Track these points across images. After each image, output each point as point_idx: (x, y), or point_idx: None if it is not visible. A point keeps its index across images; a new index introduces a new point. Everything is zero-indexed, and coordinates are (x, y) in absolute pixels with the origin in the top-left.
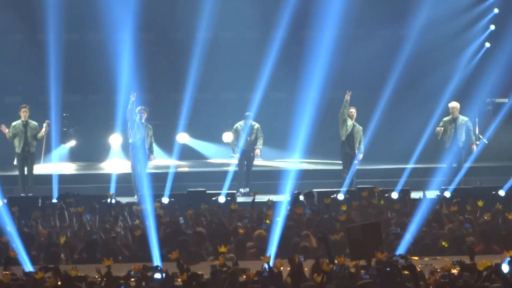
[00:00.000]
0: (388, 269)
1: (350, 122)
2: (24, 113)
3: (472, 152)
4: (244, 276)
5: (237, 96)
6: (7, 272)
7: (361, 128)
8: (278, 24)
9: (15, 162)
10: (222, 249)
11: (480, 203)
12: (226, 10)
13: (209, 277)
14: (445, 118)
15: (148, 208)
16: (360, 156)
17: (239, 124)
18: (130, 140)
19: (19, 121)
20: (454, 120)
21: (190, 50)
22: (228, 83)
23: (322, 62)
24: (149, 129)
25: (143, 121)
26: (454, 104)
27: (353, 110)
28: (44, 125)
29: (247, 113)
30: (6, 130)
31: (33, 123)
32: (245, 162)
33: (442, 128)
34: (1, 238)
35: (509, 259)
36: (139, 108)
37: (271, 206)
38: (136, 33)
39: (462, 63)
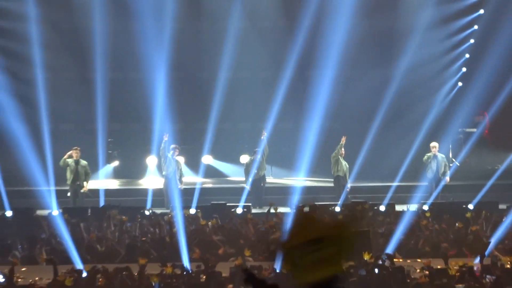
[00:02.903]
0: (377, 270)
1: (344, 161)
2: (76, 154)
3: (446, 182)
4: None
5: (252, 125)
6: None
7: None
8: (286, 65)
9: (68, 194)
10: (247, 253)
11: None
12: (242, 54)
13: (228, 275)
14: (429, 154)
15: (179, 217)
16: (349, 185)
17: (249, 160)
18: (163, 173)
19: (72, 159)
20: (435, 156)
21: (213, 87)
22: (244, 114)
23: (322, 97)
24: (179, 163)
25: (175, 157)
26: (435, 144)
27: (343, 150)
28: (84, 189)
29: (256, 150)
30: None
31: (84, 162)
32: (256, 190)
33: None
34: (57, 240)
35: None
36: (173, 146)
37: (280, 216)
38: (168, 72)
39: (438, 99)
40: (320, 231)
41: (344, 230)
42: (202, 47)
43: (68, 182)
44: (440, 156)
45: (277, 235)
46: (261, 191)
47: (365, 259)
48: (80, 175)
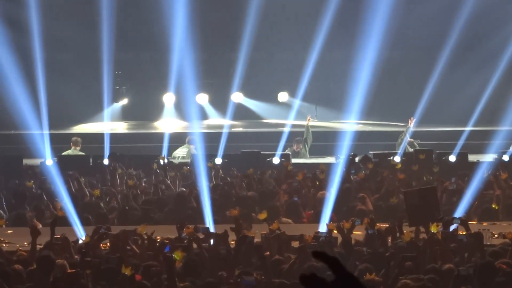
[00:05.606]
0: None
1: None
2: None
3: None
4: (297, 243)
5: (293, 55)
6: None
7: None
8: None
9: None
10: (262, 216)
11: None
12: None
13: (260, 240)
14: None
15: (201, 169)
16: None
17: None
18: None
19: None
20: None
21: (245, 6)
22: (283, 42)
23: (379, 21)
24: None
25: None
26: None
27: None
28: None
29: (297, 139)
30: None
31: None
32: None
33: None
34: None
35: None
36: None
37: (325, 170)
38: None
39: None
40: None
41: None
42: None
43: None
44: None
45: (323, 194)
46: None
47: (433, 231)
48: None
